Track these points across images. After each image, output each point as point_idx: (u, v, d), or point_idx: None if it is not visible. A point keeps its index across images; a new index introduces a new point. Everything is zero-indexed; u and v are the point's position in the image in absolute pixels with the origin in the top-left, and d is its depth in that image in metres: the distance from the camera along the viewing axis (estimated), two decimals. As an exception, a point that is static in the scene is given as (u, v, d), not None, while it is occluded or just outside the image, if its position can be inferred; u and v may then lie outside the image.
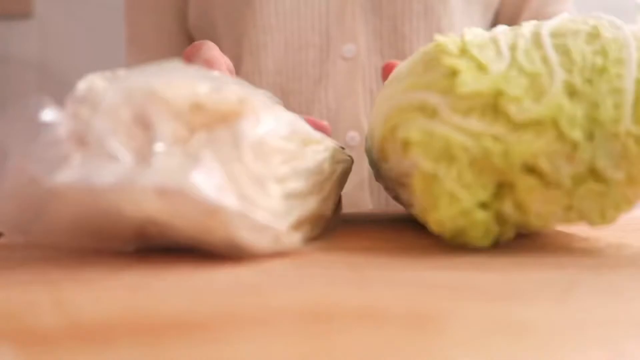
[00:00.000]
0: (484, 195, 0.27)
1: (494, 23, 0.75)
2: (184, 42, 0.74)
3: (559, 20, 0.31)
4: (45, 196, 0.23)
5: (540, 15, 0.71)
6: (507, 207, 0.28)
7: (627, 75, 0.27)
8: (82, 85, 0.26)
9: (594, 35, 0.29)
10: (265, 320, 0.17)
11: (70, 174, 0.23)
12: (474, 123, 0.27)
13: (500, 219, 0.29)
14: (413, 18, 0.67)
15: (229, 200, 0.24)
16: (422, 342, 0.16)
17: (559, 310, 0.19)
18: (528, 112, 0.26)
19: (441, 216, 0.27)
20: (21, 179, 0.24)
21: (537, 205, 0.28)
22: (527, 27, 0.31)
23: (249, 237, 0.25)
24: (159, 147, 0.25)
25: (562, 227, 0.38)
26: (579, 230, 0.38)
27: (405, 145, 0.29)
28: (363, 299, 0.20)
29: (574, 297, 0.20)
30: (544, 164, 0.27)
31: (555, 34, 0.29)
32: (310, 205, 0.31)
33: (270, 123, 0.28)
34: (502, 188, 0.28)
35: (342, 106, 0.67)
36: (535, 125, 0.26)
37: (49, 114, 0.25)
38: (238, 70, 0.67)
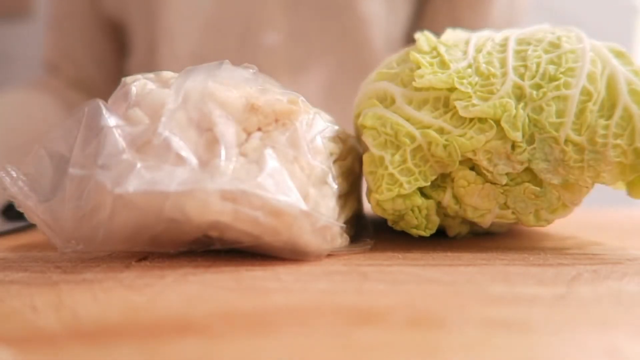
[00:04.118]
0: (424, 182, 0.29)
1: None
2: (97, 26, 0.73)
3: (534, 28, 0.32)
4: (111, 204, 0.22)
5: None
6: (447, 199, 0.30)
7: (575, 85, 0.27)
8: (133, 89, 0.26)
9: (554, 45, 0.30)
10: (263, 320, 0.17)
11: (139, 181, 0.22)
12: (425, 115, 0.29)
13: (441, 210, 0.30)
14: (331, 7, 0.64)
15: (294, 200, 0.24)
16: (422, 342, 0.16)
17: (559, 310, 0.19)
18: (474, 109, 0.28)
19: (382, 198, 0.29)
20: (85, 187, 0.23)
21: (474, 200, 0.29)
22: (502, 33, 0.32)
23: (311, 238, 0.25)
24: (223, 149, 0.24)
25: (561, 227, 0.38)
26: (579, 230, 0.38)
27: (361, 129, 0.31)
28: (362, 299, 0.20)
29: (574, 297, 0.20)
30: (482, 160, 0.28)
31: (521, 41, 0.31)
32: (352, 204, 0.31)
33: (320, 123, 0.28)
34: (444, 180, 0.30)
35: None
36: (479, 122, 0.28)
37: (106, 119, 0.24)
38: (153, 55, 0.66)
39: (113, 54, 0.74)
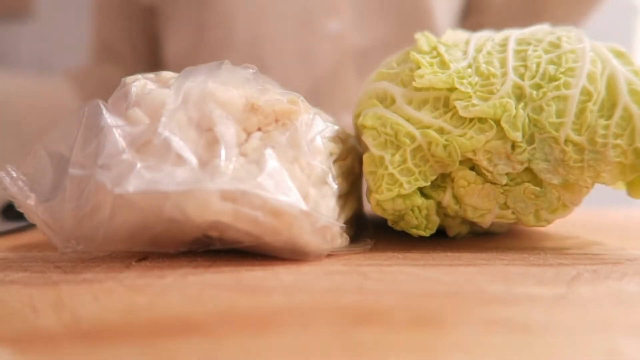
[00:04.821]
0: (424, 182, 0.29)
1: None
2: (134, 15, 0.71)
3: (533, 29, 0.32)
4: (111, 204, 0.22)
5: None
6: (447, 199, 0.30)
7: (575, 85, 0.27)
8: (133, 89, 0.26)
9: (554, 45, 0.30)
10: (263, 320, 0.17)
11: (139, 181, 0.22)
12: (425, 115, 0.29)
13: (441, 210, 0.30)
14: None
15: (294, 200, 0.24)
16: (422, 342, 0.16)
17: (559, 310, 0.19)
18: (474, 109, 0.28)
19: (382, 198, 0.29)
20: (85, 187, 0.23)
21: (474, 200, 0.29)
22: (502, 33, 0.32)
23: (311, 238, 0.25)
24: (223, 149, 0.24)
25: (561, 227, 0.38)
26: (579, 230, 0.38)
27: (361, 129, 0.31)
28: (362, 299, 0.20)
29: (574, 297, 0.20)
30: (482, 160, 0.28)
31: (520, 41, 0.30)
32: (352, 204, 0.31)
33: (320, 123, 0.28)
34: (444, 180, 0.30)
35: (329, 87, 0.61)
36: (479, 122, 0.28)
37: (106, 119, 0.24)
38: (201, 43, 0.62)
39: (149, 44, 0.73)
